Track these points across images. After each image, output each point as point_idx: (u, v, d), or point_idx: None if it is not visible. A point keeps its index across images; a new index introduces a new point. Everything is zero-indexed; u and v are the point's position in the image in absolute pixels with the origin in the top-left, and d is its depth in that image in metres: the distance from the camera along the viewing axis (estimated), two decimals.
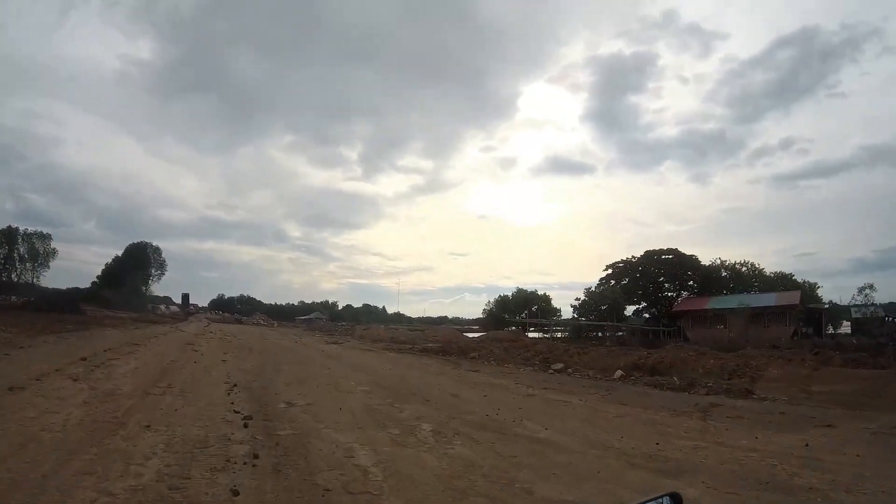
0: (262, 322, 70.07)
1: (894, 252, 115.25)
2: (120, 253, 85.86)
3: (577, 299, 62.64)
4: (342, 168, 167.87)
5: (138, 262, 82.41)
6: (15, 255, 56.91)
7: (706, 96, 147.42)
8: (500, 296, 68.24)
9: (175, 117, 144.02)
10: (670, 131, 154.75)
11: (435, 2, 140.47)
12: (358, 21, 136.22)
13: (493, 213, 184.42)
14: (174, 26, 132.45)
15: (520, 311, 63.74)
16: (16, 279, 56.51)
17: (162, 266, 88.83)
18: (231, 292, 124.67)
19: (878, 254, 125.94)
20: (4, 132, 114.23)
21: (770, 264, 59.08)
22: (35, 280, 58.98)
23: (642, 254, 63.07)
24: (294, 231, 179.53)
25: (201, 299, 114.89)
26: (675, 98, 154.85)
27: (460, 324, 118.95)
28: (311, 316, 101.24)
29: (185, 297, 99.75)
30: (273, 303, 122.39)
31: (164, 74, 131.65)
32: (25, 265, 57.93)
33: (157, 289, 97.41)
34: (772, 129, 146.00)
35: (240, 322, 65.97)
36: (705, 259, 62.43)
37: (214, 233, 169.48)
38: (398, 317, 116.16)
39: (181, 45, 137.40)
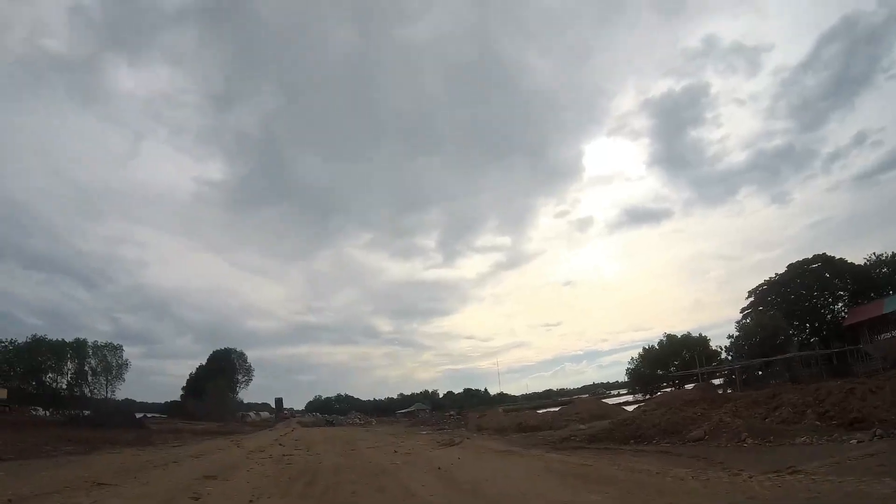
0: (357, 421, 60.55)
1: None
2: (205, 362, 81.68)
3: (730, 336, 52.83)
4: (422, 258, 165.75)
5: (222, 368, 77.27)
6: (87, 368, 52.21)
7: (766, 113, 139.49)
8: (644, 348, 54.77)
9: (253, 229, 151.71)
10: (738, 157, 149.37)
11: (484, 85, 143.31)
12: (413, 112, 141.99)
13: (578, 277, 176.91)
14: (241, 144, 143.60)
15: (671, 361, 50.19)
16: (88, 393, 51.38)
17: (248, 371, 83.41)
18: (327, 393, 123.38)
19: None
20: (93, 258, 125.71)
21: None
22: (111, 394, 53.81)
23: (785, 269, 53.68)
24: (384, 325, 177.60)
25: (297, 403, 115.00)
26: (736, 122, 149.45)
27: (567, 395, 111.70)
28: (413, 408, 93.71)
29: (279, 401, 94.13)
30: (371, 398, 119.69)
31: (237, 190, 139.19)
32: (98, 378, 52.85)
33: (248, 395, 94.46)
34: (840, 130, 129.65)
35: (331, 424, 56.77)
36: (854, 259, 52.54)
37: (305, 336, 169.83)
38: (502, 397, 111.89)
39: (250, 161, 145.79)
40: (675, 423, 16.25)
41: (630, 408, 32.04)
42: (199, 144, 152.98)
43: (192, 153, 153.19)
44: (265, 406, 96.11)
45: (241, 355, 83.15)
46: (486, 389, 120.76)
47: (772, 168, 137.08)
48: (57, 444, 20.21)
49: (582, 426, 23.83)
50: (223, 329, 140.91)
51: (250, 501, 9.47)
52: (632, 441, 15.92)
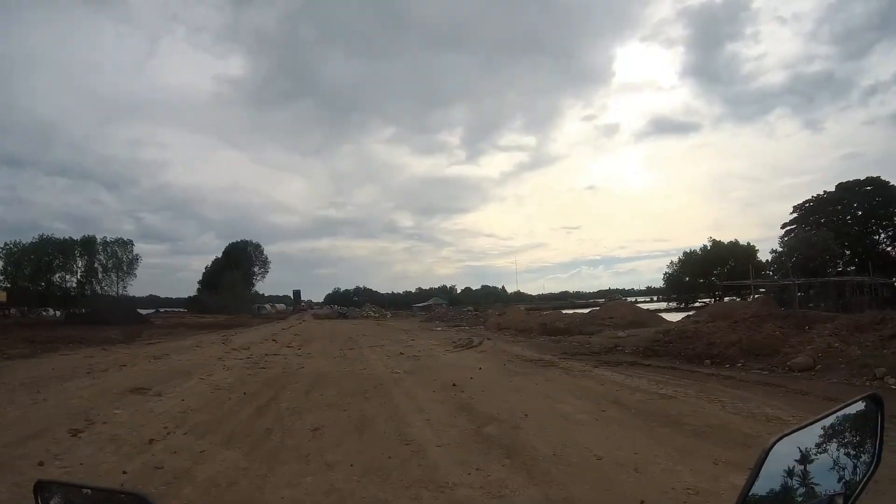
0: (371, 314, 58.84)
1: None
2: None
3: (773, 251, 48.01)
4: (445, 154, 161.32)
5: (237, 261, 75.19)
6: (97, 265, 50.15)
7: (808, 36, 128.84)
8: (685, 252, 50.08)
9: (274, 125, 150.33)
10: (775, 78, 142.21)
11: None
12: (443, 8, 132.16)
13: (601, 183, 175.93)
14: (260, 40, 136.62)
15: (712, 270, 46.07)
16: (99, 291, 49.64)
17: (265, 264, 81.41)
18: (346, 286, 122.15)
19: None
20: (115, 162, 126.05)
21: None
22: (122, 290, 52.11)
23: (834, 188, 49.81)
24: (405, 221, 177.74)
25: (317, 295, 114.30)
26: (775, 42, 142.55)
27: (582, 298, 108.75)
28: (430, 302, 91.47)
29: (297, 293, 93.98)
30: (390, 292, 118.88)
31: (258, 87, 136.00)
32: (109, 275, 50.90)
33: (266, 287, 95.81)
34: (882, 64, 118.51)
35: (344, 316, 55.03)
36: None
37: (326, 231, 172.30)
38: (518, 296, 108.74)
39: (271, 57, 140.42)
40: (759, 343, 12.31)
41: (669, 317, 28.47)
42: (218, 42, 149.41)
43: (212, 51, 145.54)
44: (284, 298, 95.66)
45: (258, 247, 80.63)
46: (503, 287, 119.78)
47: (807, 93, 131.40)
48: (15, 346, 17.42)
49: (621, 333, 20.27)
50: (245, 224, 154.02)
51: (150, 441, 5.93)
52: (707, 361, 12.11)
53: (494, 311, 39.82)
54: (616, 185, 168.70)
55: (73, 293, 48.61)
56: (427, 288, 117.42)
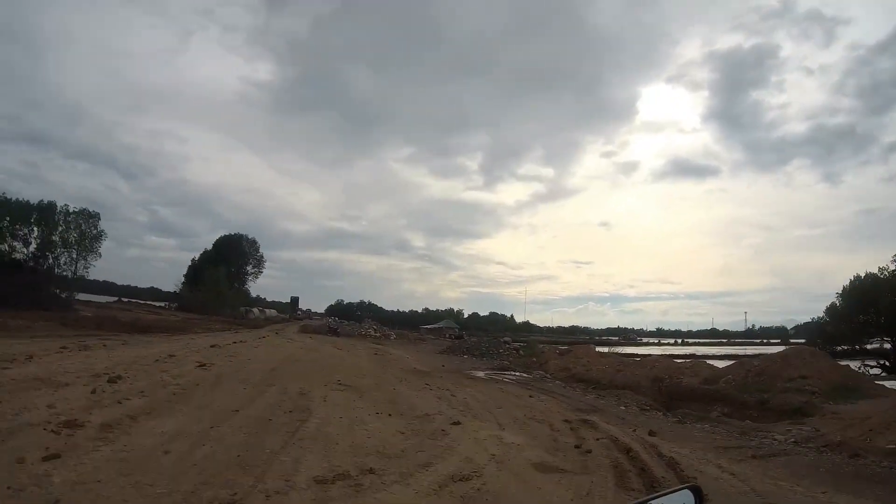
0: (370, 332, 46.57)
1: None
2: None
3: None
4: (462, 178, 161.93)
5: (227, 257, 64.20)
6: (55, 238, 39.07)
7: (833, 88, 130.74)
8: (853, 278, 34.63)
9: (295, 133, 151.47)
10: (797, 128, 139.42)
11: (547, 12, 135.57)
12: (472, 34, 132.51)
13: (615, 219, 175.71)
14: (291, 47, 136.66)
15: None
16: (56, 268, 38.80)
17: (260, 262, 70.27)
18: (352, 299, 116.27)
19: None
20: (136, 152, 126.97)
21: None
22: (83, 270, 41.34)
23: None
24: (417, 241, 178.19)
25: (320, 306, 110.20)
26: (800, 92, 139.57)
27: (590, 334, 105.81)
28: (441, 325, 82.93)
29: (294, 300, 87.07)
30: (396, 309, 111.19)
31: (283, 93, 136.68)
32: (70, 251, 39.91)
33: (264, 291, 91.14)
34: None
35: (334, 333, 42.86)
36: None
37: (336, 243, 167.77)
38: (527, 326, 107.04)
39: (298, 66, 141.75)
40: None
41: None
42: (248, 44, 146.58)
43: (241, 53, 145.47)
44: (283, 305, 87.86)
45: (253, 243, 69.99)
46: (512, 316, 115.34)
47: (828, 145, 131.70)
48: None
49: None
50: (257, 227, 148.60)
51: None
52: None
53: (551, 350, 27.36)
54: (630, 223, 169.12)
55: (22, 266, 37.43)
56: (434, 309, 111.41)
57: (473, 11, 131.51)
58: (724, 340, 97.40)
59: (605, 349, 31.85)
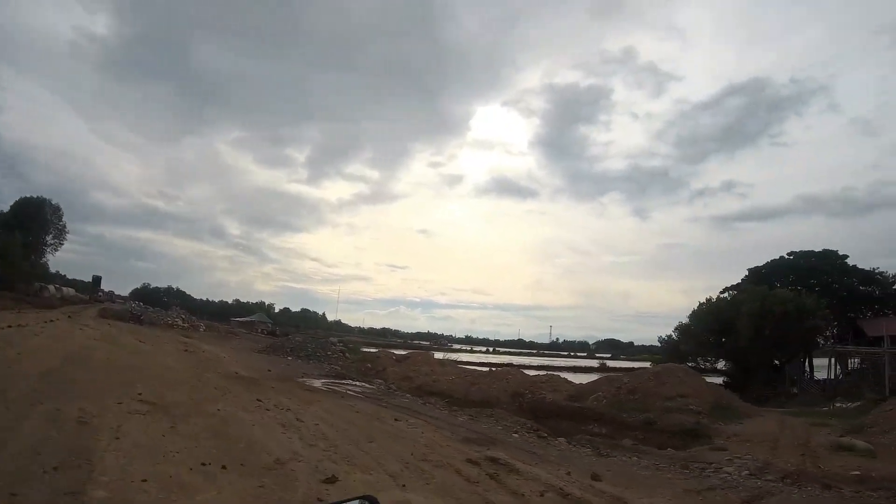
0: (178, 322, 41.27)
1: None
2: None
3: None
4: (288, 169, 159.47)
5: (25, 224, 54.09)
6: None
7: (655, 134, 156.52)
8: (705, 300, 39.27)
9: (124, 98, 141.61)
10: (616, 164, 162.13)
11: (407, 18, 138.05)
12: (328, 27, 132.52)
13: (435, 228, 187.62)
14: (135, 3, 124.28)
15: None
16: None
17: (62, 233, 61.27)
18: (160, 284, 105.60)
19: None
20: None
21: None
22: None
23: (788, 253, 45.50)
24: (233, 228, 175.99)
25: (125, 288, 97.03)
26: (624, 133, 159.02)
27: (401, 338, 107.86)
28: (253, 318, 78.31)
29: (97, 279, 75.39)
30: (206, 299, 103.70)
31: (119, 54, 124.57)
32: None
33: (64, 266, 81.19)
34: (714, 172, 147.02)
35: (138, 320, 37.18)
36: None
37: (150, 222, 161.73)
38: (339, 325, 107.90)
39: (141, 25, 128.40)
40: None
41: None
42: None
43: None
44: (82, 284, 75.73)
45: (56, 209, 60.03)
46: (324, 314, 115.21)
47: (642, 184, 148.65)
48: None
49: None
50: (66, 195, 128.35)
51: None
52: None
53: (386, 356, 26.46)
54: (450, 233, 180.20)
55: None
56: (246, 301, 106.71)
57: (335, 5, 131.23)
58: (534, 351, 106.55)
59: (441, 356, 32.05)
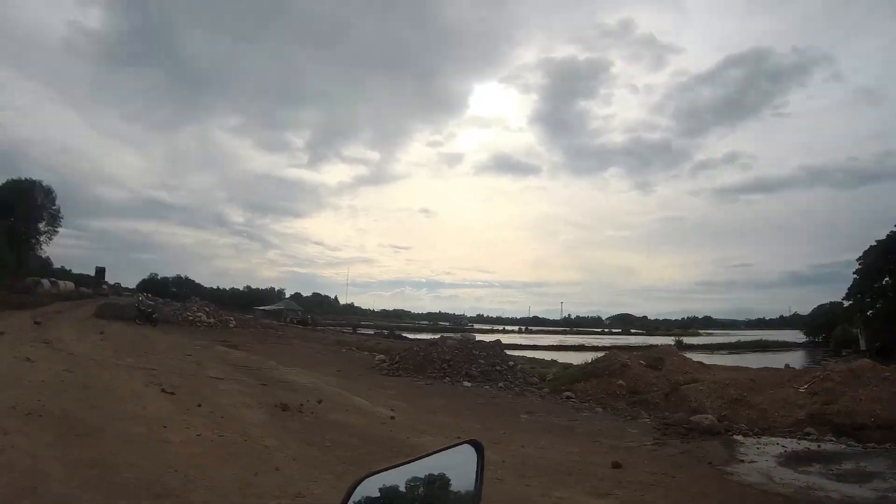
0: (202, 316, 30.42)
1: (827, 268, 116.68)
2: None
3: None
4: (287, 154, 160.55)
5: (13, 209, 49.53)
6: None
7: (654, 107, 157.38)
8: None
9: (120, 90, 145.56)
10: (617, 138, 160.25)
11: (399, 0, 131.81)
12: (321, 9, 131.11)
13: (436, 208, 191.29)
14: None
15: None
16: None
17: (55, 219, 56.71)
18: (165, 273, 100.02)
19: (813, 268, 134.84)
20: None
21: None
22: None
23: None
24: (235, 216, 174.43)
25: (130, 281, 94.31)
26: (624, 106, 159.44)
27: (411, 318, 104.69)
28: (280, 306, 72.37)
29: (100, 271, 71.43)
30: (214, 287, 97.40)
31: (113, 46, 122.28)
32: None
33: (63, 258, 79.90)
34: (716, 144, 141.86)
35: (149, 319, 26.55)
36: None
37: (153, 213, 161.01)
38: (352, 308, 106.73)
39: (134, 17, 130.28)
40: None
41: None
42: None
43: None
44: (88, 279, 69.66)
45: (49, 192, 55.56)
46: (336, 298, 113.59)
47: (644, 158, 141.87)
48: None
49: None
50: (68, 191, 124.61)
51: None
52: None
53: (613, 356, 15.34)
54: (451, 212, 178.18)
55: None
56: (257, 288, 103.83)
57: None
58: (567, 329, 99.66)
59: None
